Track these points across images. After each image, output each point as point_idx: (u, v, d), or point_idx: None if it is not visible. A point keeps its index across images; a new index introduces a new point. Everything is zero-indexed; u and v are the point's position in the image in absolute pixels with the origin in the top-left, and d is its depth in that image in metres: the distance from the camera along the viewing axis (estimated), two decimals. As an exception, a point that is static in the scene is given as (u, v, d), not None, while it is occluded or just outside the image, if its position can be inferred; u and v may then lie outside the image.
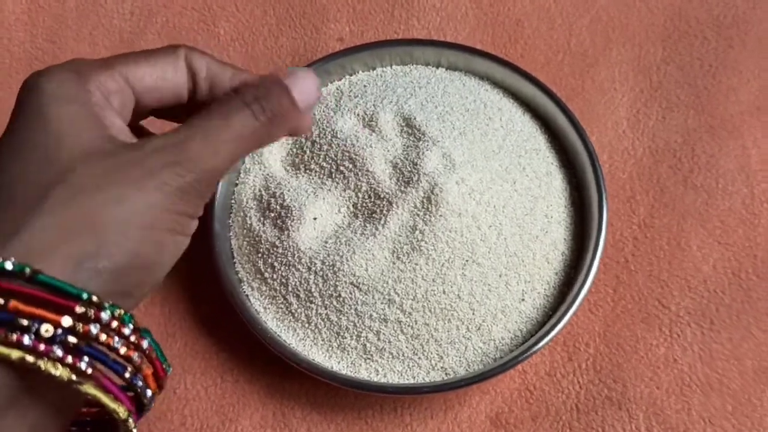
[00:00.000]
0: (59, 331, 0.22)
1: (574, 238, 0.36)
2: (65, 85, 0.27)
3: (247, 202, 0.36)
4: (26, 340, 0.22)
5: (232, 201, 0.37)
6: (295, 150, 0.37)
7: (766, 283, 0.36)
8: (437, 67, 0.40)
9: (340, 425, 0.35)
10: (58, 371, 0.22)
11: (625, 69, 0.41)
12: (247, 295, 0.35)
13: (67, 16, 0.44)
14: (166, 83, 0.29)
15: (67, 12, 0.45)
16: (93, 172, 0.25)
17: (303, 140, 0.37)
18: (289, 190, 0.35)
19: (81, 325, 0.23)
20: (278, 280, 0.34)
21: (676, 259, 0.37)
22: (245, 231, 0.36)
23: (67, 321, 0.23)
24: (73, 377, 0.22)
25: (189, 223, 0.27)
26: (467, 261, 0.33)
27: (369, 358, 0.34)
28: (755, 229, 0.37)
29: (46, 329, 0.22)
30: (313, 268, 0.34)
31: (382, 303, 0.33)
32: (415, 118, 0.36)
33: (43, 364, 0.22)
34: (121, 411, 0.24)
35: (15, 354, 0.22)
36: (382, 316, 0.33)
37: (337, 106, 0.38)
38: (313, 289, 0.34)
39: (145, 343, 0.24)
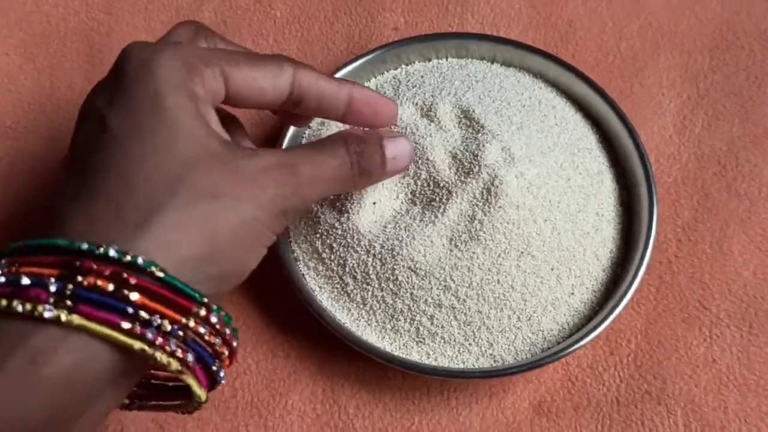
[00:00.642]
0: (175, 326, 0.24)
1: (622, 237, 0.37)
2: (176, 74, 0.27)
3: (305, 183, 0.37)
4: (149, 334, 0.24)
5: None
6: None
7: (803, 290, 0.37)
8: (492, 62, 0.41)
9: (388, 405, 0.36)
10: (171, 364, 0.24)
11: (673, 75, 0.42)
12: (302, 274, 0.36)
13: (125, -12, 0.45)
14: (260, 95, 0.30)
15: (126, -16, 0.45)
16: (211, 177, 0.26)
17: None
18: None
19: (193, 323, 0.25)
20: (336, 261, 0.35)
21: (717, 263, 0.38)
22: (303, 211, 0.37)
23: (185, 320, 0.24)
24: (179, 368, 0.24)
25: (274, 238, 0.29)
26: (522, 253, 0.34)
27: (421, 342, 0.35)
28: (795, 238, 0.38)
29: (166, 325, 0.24)
30: (372, 251, 0.34)
31: (437, 289, 0.34)
32: (474, 111, 0.36)
33: (159, 356, 0.24)
34: (204, 395, 0.26)
35: (137, 345, 0.24)
36: (437, 302, 0.34)
37: (395, 94, 0.39)
38: (370, 272, 0.35)
39: (235, 342, 0.26)
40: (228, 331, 0.26)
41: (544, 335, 0.35)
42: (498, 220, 0.34)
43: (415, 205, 0.35)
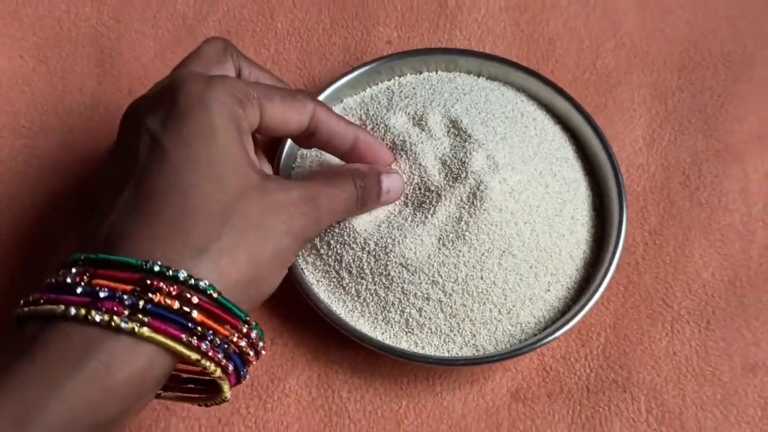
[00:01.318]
0: (224, 340, 0.28)
1: (594, 240, 0.40)
2: (227, 110, 0.30)
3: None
4: (203, 346, 0.27)
5: (291, 182, 0.41)
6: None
7: (756, 291, 0.41)
8: (478, 76, 0.44)
9: (378, 389, 0.39)
10: (216, 372, 0.28)
11: (644, 92, 0.46)
12: (301, 269, 0.39)
13: (134, -5, 0.47)
14: (286, 127, 0.33)
15: (135, -8, 0.48)
16: (254, 208, 0.30)
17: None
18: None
19: (236, 338, 0.28)
20: (333, 257, 0.38)
21: (680, 265, 0.41)
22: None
23: (233, 337, 0.28)
24: (221, 375, 0.28)
25: (294, 260, 0.33)
26: (504, 252, 0.38)
27: (410, 332, 0.38)
28: (750, 244, 0.42)
29: (217, 340, 0.28)
30: (367, 248, 0.38)
31: (426, 283, 0.37)
32: (461, 121, 0.40)
33: (208, 365, 0.28)
34: (229, 393, 0.29)
35: (194, 356, 0.27)
36: (426, 295, 0.37)
37: (389, 104, 0.42)
38: (365, 267, 0.38)
39: (263, 351, 0.30)
40: (261, 344, 0.30)
41: (522, 327, 0.38)
42: (482, 222, 0.37)
43: (407, 206, 0.38)
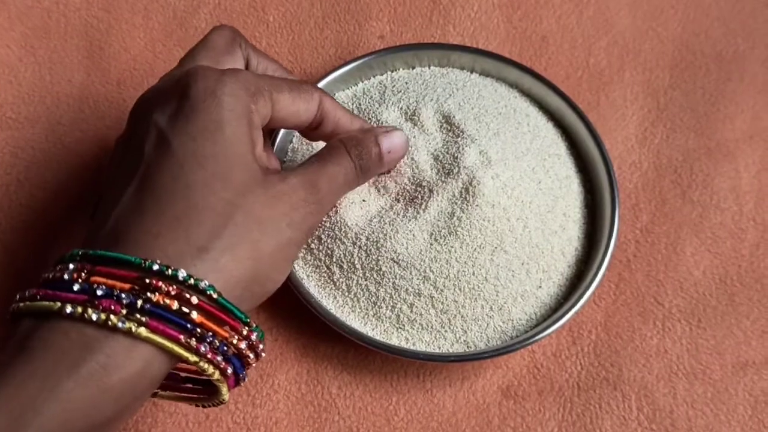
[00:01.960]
0: (223, 342, 0.27)
1: (586, 237, 0.40)
2: (240, 103, 0.30)
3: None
4: (202, 348, 0.27)
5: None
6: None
7: (747, 290, 0.41)
8: (471, 72, 0.44)
9: (368, 386, 0.38)
10: (214, 374, 0.27)
11: (636, 90, 0.46)
12: (292, 263, 0.38)
13: (125, -13, 0.47)
14: (295, 118, 0.33)
15: (126, -16, 0.47)
16: (257, 203, 0.29)
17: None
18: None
19: (236, 340, 0.28)
20: (323, 251, 0.38)
21: (671, 263, 0.41)
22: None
23: (233, 339, 0.27)
24: (219, 377, 0.28)
25: (299, 254, 0.32)
26: (496, 248, 0.37)
27: (401, 328, 0.38)
28: (741, 243, 0.42)
29: (216, 342, 0.27)
30: (358, 243, 0.37)
31: (417, 279, 0.37)
32: (454, 117, 0.39)
33: (206, 366, 0.27)
34: (227, 396, 0.29)
35: (192, 357, 0.27)
36: (417, 291, 0.37)
37: (381, 98, 0.41)
38: (356, 262, 0.37)
39: (263, 354, 0.30)
40: (261, 347, 0.29)
41: (514, 324, 0.38)
42: (475, 218, 0.37)
43: (399, 201, 0.38)
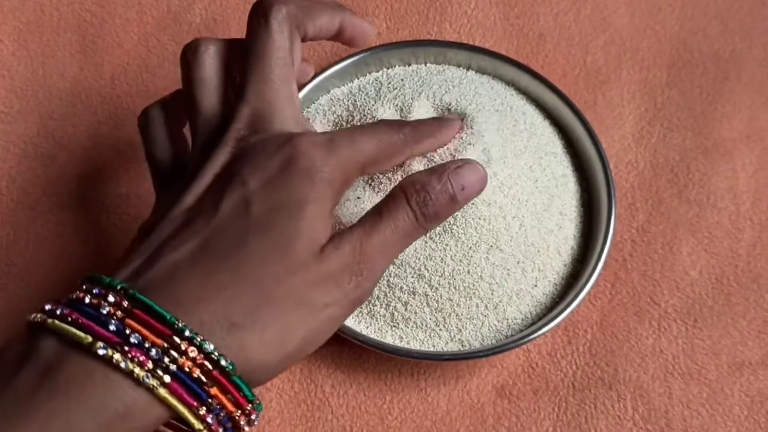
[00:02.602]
0: (227, 416, 0.27)
1: (582, 236, 0.40)
2: (331, 189, 0.30)
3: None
4: (209, 419, 0.27)
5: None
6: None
7: (744, 290, 0.41)
8: (467, 69, 0.43)
9: (362, 384, 0.38)
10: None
11: (633, 89, 0.46)
12: (286, 260, 0.38)
13: (119, -19, 0.47)
14: (325, 33, 0.35)
15: (120, -23, 0.47)
16: (303, 284, 0.28)
17: (343, 123, 0.40)
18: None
19: (238, 415, 0.28)
20: (318, 249, 0.38)
21: (667, 263, 0.41)
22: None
23: (236, 413, 0.27)
24: None
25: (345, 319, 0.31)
26: (491, 246, 0.37)
27: (395, 326, 0.37)
28: (738, 243, 0.42)
29: (223, 415, 0.27)
30: (352, 240, 0.37)
31: (412, 277, 0.37)
32: (463, 111, 0.39)
33: (200, 426, 0.27)
34: None
35: (198, 426, 0.27)
36: (412, 289, 0.37)
37: (377, 95, 0.41)
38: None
39: (255, 423, 0.29)
40: (254, 417, 0.28)
41: (509, 323, 0.38)
42: (470, 216, 0.37)
43: (394, 199, 0.38)
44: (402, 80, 0.42)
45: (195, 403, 0.26)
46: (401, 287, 0.37)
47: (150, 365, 0.26)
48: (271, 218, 0.28)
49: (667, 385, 0.39)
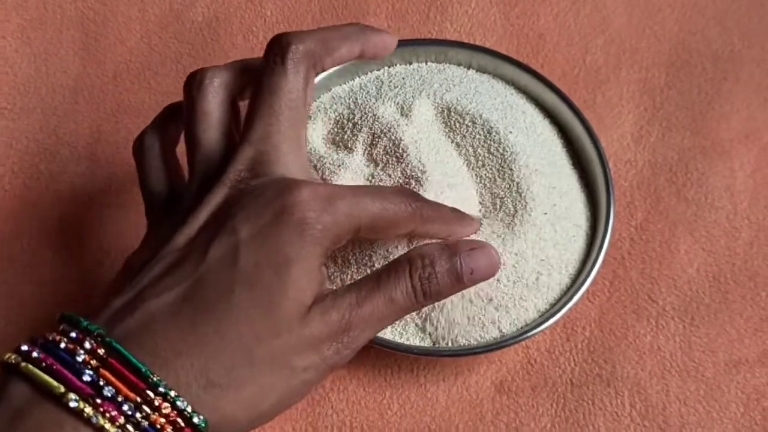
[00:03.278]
0: None
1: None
2: (319, 250, 0.29)
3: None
4: None
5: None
6: (336, 129, 0.41)
7: (741, 288, 0.41)
8: (468, 68, 0.44)
9: (362, 380, 0.38)
10: None
11: (632, 89, 0.46)
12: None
13: (120, -21, 0.47)
14: (345, 61, 0.36)
15: (121, -25, 0.47)
16: (285, 347, 0.28)
17: (344, 121, 0.41)
18: (329, 165, 0.39)
19: None
20: (318, 245, 0.38)
21: (665, 261, 0.42)
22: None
23: None
24: None
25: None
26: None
27: (395, 323, 0.37)
28: (736, 241, 0.42)
29: None
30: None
31: (412, 274, 0.37)
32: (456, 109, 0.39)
33: None
34: None
35: None
36: (412, 286, 0.37)
37: (378, 93, 0.41)
38: (350, 257, 0.37)
39: None
40: None
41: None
42: (470, 213, 0.37)
43: (394, 196, 0.38)
44: (403, 79, 0.42)
45: None
46: (401, 284, 0.37)
47: (121, 420, 0.25)
48: (258, 273, 0.27)
49: (665, 382, 0.39)
